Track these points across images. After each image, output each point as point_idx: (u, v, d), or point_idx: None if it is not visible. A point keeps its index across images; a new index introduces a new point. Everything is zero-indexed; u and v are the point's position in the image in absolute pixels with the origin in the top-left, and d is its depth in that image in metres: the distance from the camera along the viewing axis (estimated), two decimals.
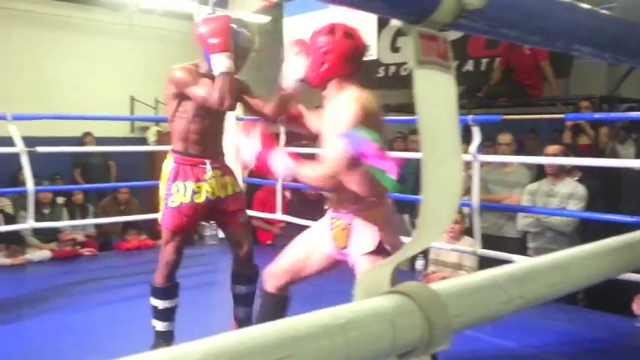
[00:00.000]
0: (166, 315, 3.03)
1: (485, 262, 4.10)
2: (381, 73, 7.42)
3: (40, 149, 4.69)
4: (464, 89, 6.47)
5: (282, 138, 5.34)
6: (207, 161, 2.96)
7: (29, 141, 4.64)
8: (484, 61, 6.69)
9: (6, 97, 7.05)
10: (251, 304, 3.10)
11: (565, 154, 4.49)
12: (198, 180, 2.96)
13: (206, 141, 2.97)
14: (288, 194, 5.93)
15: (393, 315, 0.54)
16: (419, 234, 0.54)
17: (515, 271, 0.70)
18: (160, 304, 3.02)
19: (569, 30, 0.63)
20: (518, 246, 4.61)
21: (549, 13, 0.59)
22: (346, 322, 0.51)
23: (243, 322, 3.09)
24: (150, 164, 8.15)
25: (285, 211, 5.46)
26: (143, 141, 8.22)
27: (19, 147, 4.49)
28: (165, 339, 3.01)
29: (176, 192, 2.95)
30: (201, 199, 2.95)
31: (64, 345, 3.26)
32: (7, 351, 3.17)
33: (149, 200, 7.85)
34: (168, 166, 3.03)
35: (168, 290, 3.03)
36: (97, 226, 6.40)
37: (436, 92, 0.53)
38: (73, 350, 3.19)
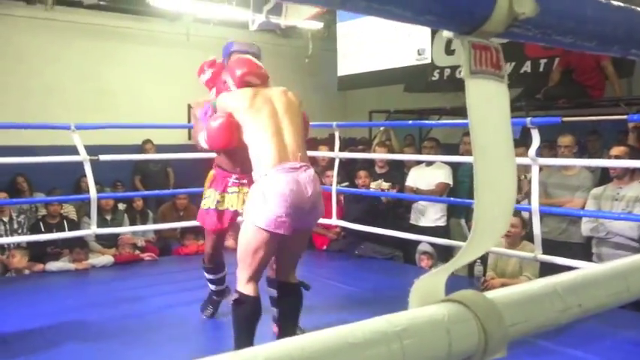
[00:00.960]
0: (215, 281, 3.76)
1: (546, 269, 4.00)
2: (436, 76, 7.35)
3: (103, 157, 4.85)
4: (522, 91, 6.34)
5: (337, 142, 5.36)
6: (233, 176, 3.45)
7: (92, 149, 4.80)
8: (542, 61, 6.54)
9: (69, 107, 7.33)
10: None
11: (630, 156, 4.31)
12: (223, 191, 3.45)
13: (233, 158, 3.39)
14: (342, 199, 5.94)
15: (449, 323, 0.54)
16: (473, 241, 0.55)
17: (574, 278, 0.69)
18: (211, 276, 3.76)
19: (625, 34, 0.62)
20: (582, 251, 4.47)
21: (604, 18, 0.58)
22: (402, 330, 0.51)
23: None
24: (206, 170, 8.32)
25: (341, 216, 5.47)
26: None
27: (83, 155, 4.66)
28: (217, 295, 3.80)
29: (207, 197, 3.53)
30: (222, 207, 3.45)
31: (128, 349, 3.35)
32: (74, 353, 3.29)
33: None
34: (211, 173, 3.66)
35: (214, 269, 3.75)
36: (157, 231, 6.56)
37: (489, 101, 0.53)
38: (135, 353, 3.28)
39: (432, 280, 0.59)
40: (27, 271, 5.23)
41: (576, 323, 0.65)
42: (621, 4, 0.62)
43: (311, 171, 2.81)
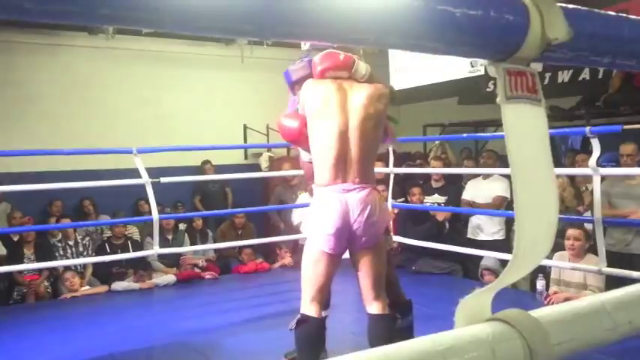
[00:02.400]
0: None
1: (612, 282, 3.87)
2: (490, 87, 7.26)
3: (164, 179, 4.99)
4: (581, 99, 6.19)
5: (392, 158, 5.35)
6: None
7: (152, 171, 4.96)
8: (602, 68, 6.37)
9: (131, 132, 7.59)
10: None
11: None
12: None
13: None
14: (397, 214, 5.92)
15: (494, 342, 0.55)
16: (515, 262, 0.56)
17: (623, 295, 0.69)
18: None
19: None
20: None
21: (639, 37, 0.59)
22: (446, 349, 0.53)
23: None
24: (263, 189, 8.45)
25: (396, 232, 5.45)
26: (257, 167, 8.53)
27: (145, 178, 4.81)
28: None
29: None
30: None
31: None
32: None
33: (264, 224, 8.14)
34: None
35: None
36: (217, 250, 6.69)
37: (526, 125, 0.54)
38: None
39: (477, 299, 0.60)
40: (79, 294, 5.39)
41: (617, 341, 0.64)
42: None
43: (365, 192, 2.66)
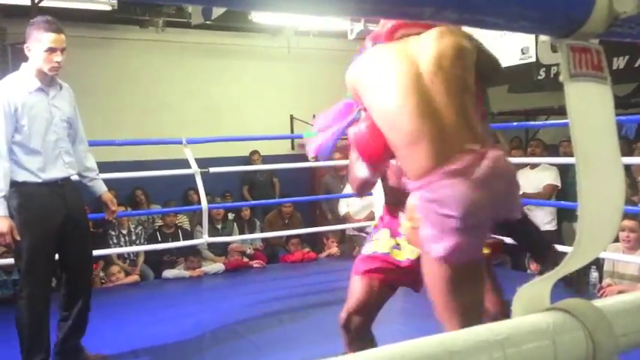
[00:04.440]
0: None
1: None
2: (542, 75, 7.06)
3: (212, 169, 5.06)
4: (637, 86, 5.96)
5: None
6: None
7: (201, 162, 5.03)
8: None
9: (181, 123, 7.71)
10: None
11: None
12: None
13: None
14: None
15: (554, 333, 0.53)
16: (578, 250, 0.53)
17: None
18: None
19: None
20: None
21: None
22: (505, 339, 0.51)
23: None
24: (310, 179, 8.47)
25: None
26: (304, 157, 8.57)
27: (194, 168, 4.88)
28: None
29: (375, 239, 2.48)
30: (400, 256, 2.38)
31: (244, 354, 3.47)
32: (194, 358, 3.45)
33: (311, 214, 8.17)
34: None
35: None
36: (264, 239, 6.75)
37: (591, 104, 0.51)
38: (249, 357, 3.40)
39: (536, 288, 0.58)
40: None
41: None
42: None
43: (492, 157, 1.71)
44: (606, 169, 0.52)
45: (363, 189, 2.22)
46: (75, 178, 3.24)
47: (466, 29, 1.91)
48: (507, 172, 1.80)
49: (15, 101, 2.91)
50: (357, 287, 2.28)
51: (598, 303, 0.57)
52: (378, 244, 2.25)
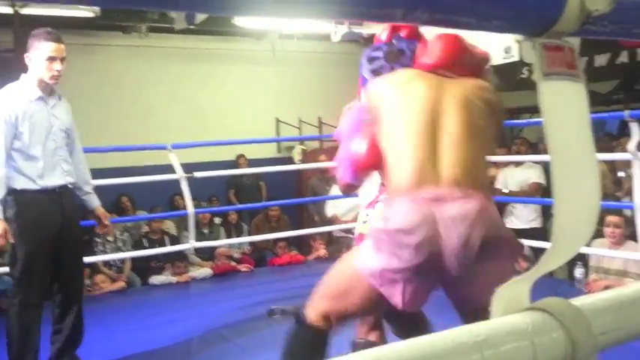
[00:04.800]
0: None
1: None
2: (525, 73, 7.11)
3: (198, 174, 5.04)
4: (619, 83, 6.02)
5: None
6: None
7: (187, 167, 5.00)
8: None
9: (165, 129, 7.66)
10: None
11: None
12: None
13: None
14: None
15: (533, 333, 0.52)
16: (555, 248, 0.53)
17: None
18: None
19: None
20: None
21: None
22: (483, 340, 0.50)
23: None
24: (297, 182, 8.47)
25: None
26: (290, 160, 8.55)
27: (179, 173, 4.86)
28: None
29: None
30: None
31: (230, 357, 3.46)
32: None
33: (298, 216, 8.15)
34: None
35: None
36: (252, 243, 6.73)
37: (565, 103, 0.51)
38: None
39: (515, 288, 0.58)
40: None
41: None
42: None
43: (474, 205, 1.65)
44: (581, 167, 0.52)
45: (348, 190, 2.26)
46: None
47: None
48: (478, 229, 1.64)
49: (16, 109, 2.95)
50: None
51: (577, 302, 0.57)
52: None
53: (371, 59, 2.16)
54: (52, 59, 2.96)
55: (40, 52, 2.95)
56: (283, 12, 0.48)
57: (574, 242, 0.53)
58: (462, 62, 1.92)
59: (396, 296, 1.69)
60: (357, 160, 1.99)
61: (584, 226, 0.52)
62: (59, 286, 3.13)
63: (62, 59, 3.00)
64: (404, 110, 1.82)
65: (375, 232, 1.81)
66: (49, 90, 3.06)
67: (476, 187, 1.70)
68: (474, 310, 1.56)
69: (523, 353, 0.51)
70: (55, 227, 3.01)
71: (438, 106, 1.80)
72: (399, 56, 2.11)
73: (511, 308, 0.56)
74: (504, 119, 1.97)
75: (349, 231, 6.08)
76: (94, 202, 3.33)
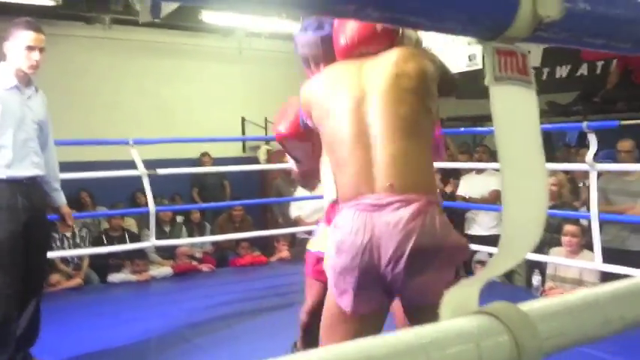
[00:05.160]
0: None
1: (607, 278, 3.86)
2: None
3: (160, 171, 4.97)
4: (578, 94, 6.16)
5: None
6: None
7: (151, 163, 4.93)
8: (599, 64, 6.34)
9: (129, 123, 7.56)
10: None
11: None
12: None
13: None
14: None
15: (479, 337, 0.52)
16: (501, 253, 0.53)
17: (617, 289, 0.66)
18: None
19: None
20: None
21: (638, 18, 0.56)
22: (429, 343, 0.50)
23: None
24: (261, 182, 8.43)
25: None
26: (255, 160, 8.51)
27: (141, 170, 4.79)
28: None
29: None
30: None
31: (192, 357, 3.42)
32: None
33: (262, 217, 8.12)
34: None
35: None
36: (214, 242, 6.67)
37: (516, 108, 0.52)
38: None
39: (464, 291, 0.58)
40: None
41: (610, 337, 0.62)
42: None
43: (410, 209, 1.60)
44: (530, 173, 0.52)
45: (305, 180, 2.33)
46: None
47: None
48: (410, 236, 1.59)
49: None
50: (311, 288, 2.33)
51: (525, 307, 0.57)
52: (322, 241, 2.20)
53: (301, 45, 2.15)
54: (30, 48, 2.95)
55: (19, 41, 2.94)
56: (241, 7, 0.47)
57: (521, 247, 0.53)
58: (376, 34, 1.81)
59: (347, 304, 1.69)
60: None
61: (532, 233, 0.53)
62: (22, 277, 3.05)
63: (41, 49, 3.00)
64: (332, 115, 1.76)
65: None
66: (26, 80, 3.05)
67: (416, 190, 1.62)
68: (417, 315, 1.67)
69: (469, 356, 0.51)
70: (21, 218, 2.95)
71: (362, 104, 1.71)
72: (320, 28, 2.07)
73: (459, 311, 0.56)
74: (445, 71, 1.84)
75: (313, 233, 6.08)
76: (61, 199, 3.30)
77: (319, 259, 2.13)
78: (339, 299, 1.70)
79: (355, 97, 1.72)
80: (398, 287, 1.65)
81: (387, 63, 1.75)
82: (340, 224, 1.68)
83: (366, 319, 1.70)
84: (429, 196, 1.65)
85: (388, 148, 1.65)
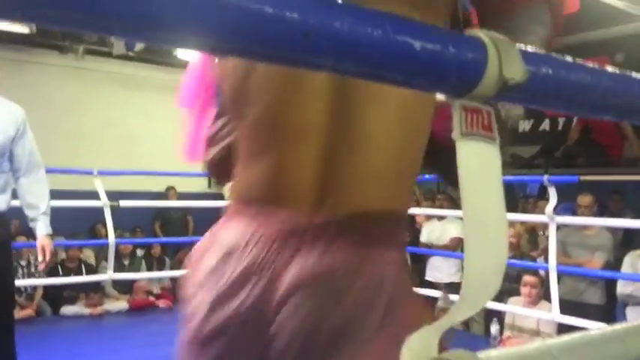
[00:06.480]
0: None
1: (564, 330, 3.92)
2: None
3: (123, 203, 4.92)
4: (540, 148, 6.34)
5: None
6: None
7: (114, 195, 4.87)
8: (561, 120, 6.56)
9: (95, 154, 7.46)
10: None
11: None
12: None
13: None
14: None
15: None
16: (462, 302, 0.55)
17: (570, 340, 0.69)
18: None
19: (619, 102, 0.63)
20: (601, 313, 4.37)
21: (597, 85, 0.60)
22: None
23: None
24: None
25: None
26: (220, 196, 8.46)
27: (103, 201, 4.73)
28: None
29: None
30: None
31: None
32: None
33: None
34: None
35: None
36: (173, 278, 6.57)
37: (480, 162, 0.54)
38: None
39: (424, 338, 0.59)
40: None
41: None
42: (616, 71, 0.64)
43: (324, 261, 0.89)
44: (492, 225, 0.55)
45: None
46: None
47: None
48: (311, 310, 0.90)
49: None
50: None
51: (483, 355, 0.59)
52: None
53: None
54: None
55: None
56: (216, 48, 0.49)
57: (482, 296, 0.55)
58: None
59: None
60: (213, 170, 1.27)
61: (492, 281, 0.55)
62: None
63: None
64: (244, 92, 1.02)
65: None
66: None
67: (364, 219, 0.91)
68: None
69: None
70: None
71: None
72: None
73: (419, 358, 0.57)
74: None
75: None
76: (39, 229, 3.08)
77: None
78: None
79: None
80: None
81: None
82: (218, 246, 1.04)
83: None
84: (385, 230, 0.95)
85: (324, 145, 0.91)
